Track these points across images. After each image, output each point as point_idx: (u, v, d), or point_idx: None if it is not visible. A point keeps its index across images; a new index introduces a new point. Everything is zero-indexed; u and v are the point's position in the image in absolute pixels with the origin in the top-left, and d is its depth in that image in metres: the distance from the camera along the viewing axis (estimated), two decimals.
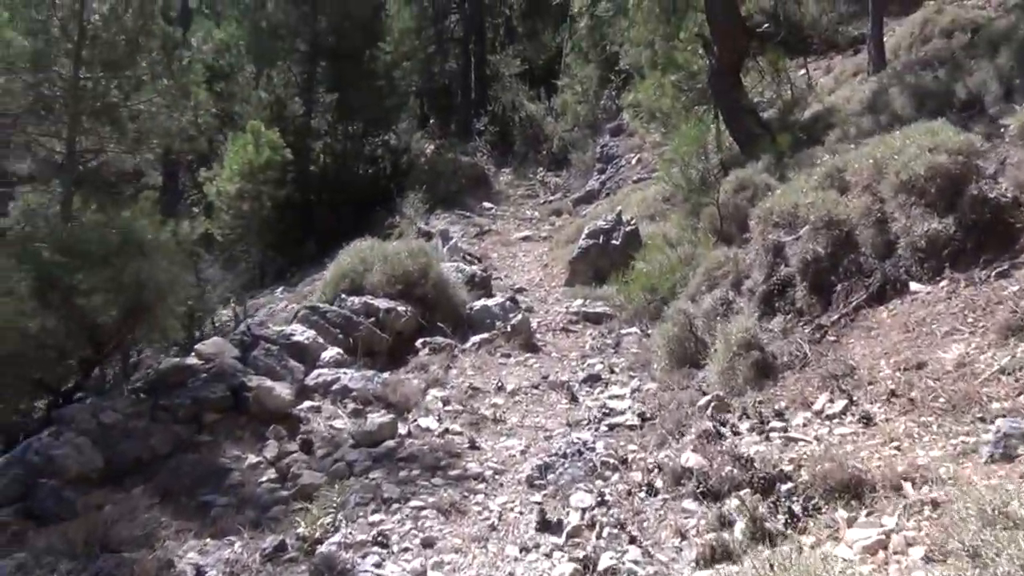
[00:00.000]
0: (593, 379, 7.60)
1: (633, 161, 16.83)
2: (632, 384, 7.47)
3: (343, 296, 8.59)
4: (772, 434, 5.41)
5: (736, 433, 5.60)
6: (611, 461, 5.62)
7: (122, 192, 18.44)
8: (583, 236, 11.44)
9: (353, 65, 19.82)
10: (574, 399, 7.13)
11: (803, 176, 8.39)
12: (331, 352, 7.59)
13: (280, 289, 16.95)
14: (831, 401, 5.62)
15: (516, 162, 22.34)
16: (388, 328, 8.24)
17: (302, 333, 7.64)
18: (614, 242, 11.17)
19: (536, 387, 7.49)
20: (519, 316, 8.83)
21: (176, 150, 16.61)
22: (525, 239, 15.52)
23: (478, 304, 9.05)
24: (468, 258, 10.97)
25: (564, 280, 11.52)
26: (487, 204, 18.63)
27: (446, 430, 6.40)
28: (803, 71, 14.22)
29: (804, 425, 5.46)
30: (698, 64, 13.21)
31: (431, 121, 26.14)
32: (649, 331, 9.07)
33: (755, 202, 9.64)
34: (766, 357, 6.62)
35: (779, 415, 5.71)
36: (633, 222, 11.44)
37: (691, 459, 5.21)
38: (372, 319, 8.28)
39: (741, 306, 8.07)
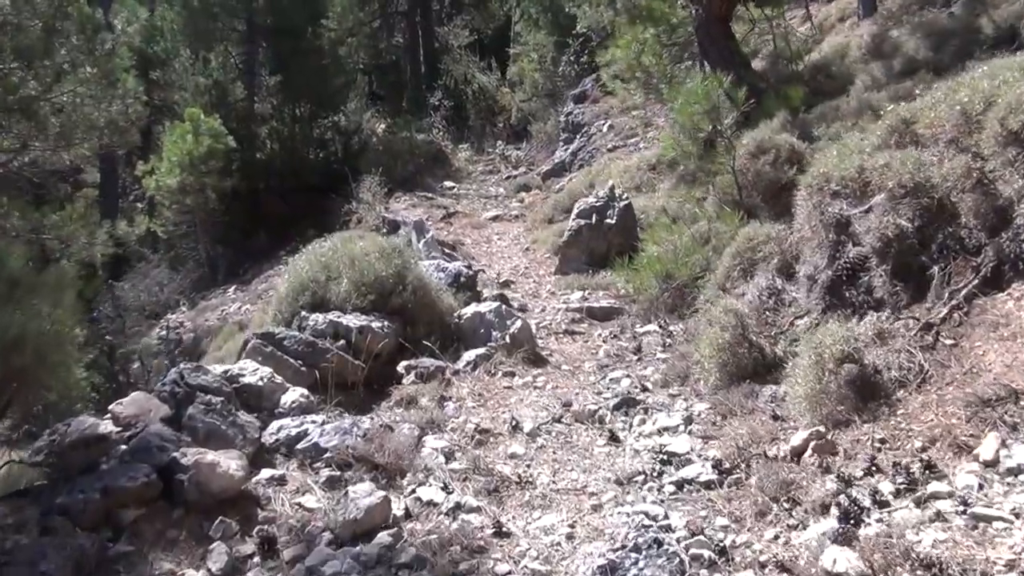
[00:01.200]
0: (628, 403, 5.64)
1: (604, 128, 14.79)
2: (679, 407, 5.54)
3: (303, 314, 6.48)
4: (940, 505, 3.51)
5: (880, 503, 3.70)
6: (704, 554, 3.68)
7: (52, 194, 16.07)
8: (573, 216, 9.44)
9: (295, 43, 17.53)
10: (613, 438, 5.16)
11: (855, 133, 6.51)
12: (293, 394, 5.52)
13: (233, 288, 14.77)
14: (1004, 445, 3.75)
15: (473, 137, 20.18)
16: (363, 352, 6.19)
17: (254, 372, 5.53)
18: (608, 221, 9.20)
19: (559, 420, 5.51)
20: (518, 323, 6.82)
21: (106, 145, 14.31)
22: (495, 219, 13.49)
23: (468, 311, 7.00)
24: (448, 253, 8.88)
25: (554, 267, 9.52)
26: (448, 183, 16.52)
27: (457, 505, 4.39)
28: (802, 16, 12.29)
29: (980, 488, 3.57)
30: (678, 16, 11.22)
31: (377, 97, 23.80)
32: (671, 328, 7.18)
33: (780, 167, 7.79)
34: (866, 371, 4.72)
35: (930, 468, 3.80)
36: (626, 197, 9.49)
37: (837, 558, 3.29)
38: (342, 342, 6.20)
39: (796, 297, 6.19)
